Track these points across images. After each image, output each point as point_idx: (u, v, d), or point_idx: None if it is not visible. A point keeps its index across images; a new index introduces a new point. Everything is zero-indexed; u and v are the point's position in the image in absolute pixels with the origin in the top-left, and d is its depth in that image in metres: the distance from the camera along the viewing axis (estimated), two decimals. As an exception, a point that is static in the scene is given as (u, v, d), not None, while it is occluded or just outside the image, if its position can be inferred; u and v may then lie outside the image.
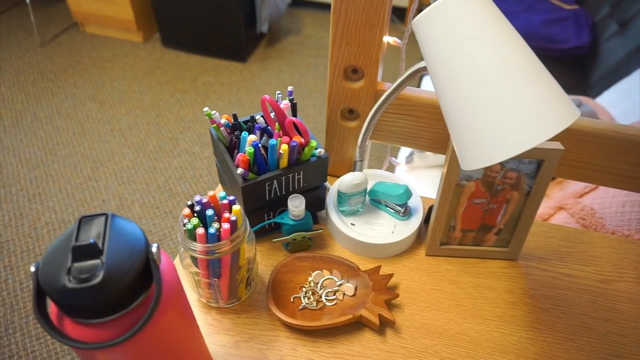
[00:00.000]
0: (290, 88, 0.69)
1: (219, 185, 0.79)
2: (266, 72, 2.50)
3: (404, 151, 1.47)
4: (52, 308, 0.38)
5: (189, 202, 0.55)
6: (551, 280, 0.69)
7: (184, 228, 0.53)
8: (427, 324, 0.63)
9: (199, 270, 0.57)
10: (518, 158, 0.60)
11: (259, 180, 0.63)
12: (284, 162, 0.64)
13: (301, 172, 0.66)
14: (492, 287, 0.68)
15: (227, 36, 2.45)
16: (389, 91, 0.60)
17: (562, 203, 1.00)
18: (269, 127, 0.67)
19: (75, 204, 1.80)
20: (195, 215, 0.55)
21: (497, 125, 0.42)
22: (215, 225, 0.53)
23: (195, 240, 0.53)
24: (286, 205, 0.65)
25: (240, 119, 0.69)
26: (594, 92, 1.57)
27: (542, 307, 0.66)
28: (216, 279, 0.58)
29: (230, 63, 2.54)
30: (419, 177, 1.38)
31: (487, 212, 0.67)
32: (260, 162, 0.63)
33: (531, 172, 0.62)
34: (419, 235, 0.74)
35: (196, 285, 0.60)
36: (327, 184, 0.76)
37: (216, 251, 0.54)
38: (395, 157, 1.57)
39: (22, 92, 2.30)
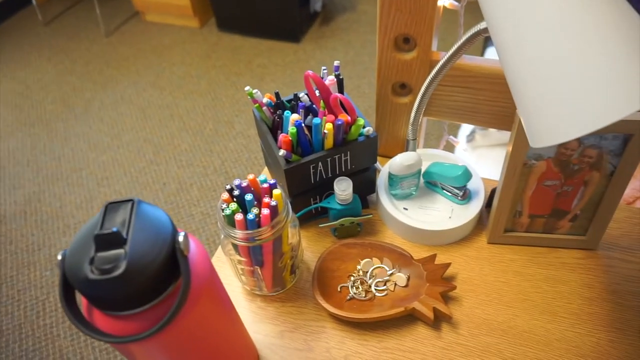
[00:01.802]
0: (336, 63, 0.64)
1: (265, 169, 0.76)
2: (320, 51, 2.45)
3: (465, 129, 1.37)
4: (82, 299, 0.36)
5: (228, 186, 0.52)
6: (638, 273, 0.60)
7: (223, 214, 0.51)
8: (488, 319, 0.57)
9: (241, 258, 0.55)
10: (600, 133, 0.52)
11: (303, 163, 0.59)
12: (329, 143, 0.59)
13: (348, 152, 0.61)
14: (566, 280, 0.60)
15: (280, 17, 2.42)
16: (444, 59, 0.54)
17: (651, 184, 0.87)
18: (313, 106, 0.63)
19: (139, 187, 1.88)
20: (235, 200, 0.52)
21: (577, 92, 0.35)
22: (255, 210, 0.50)
23: (234, 226, 0.51)
24: (333, 189, 0.61)
25: (284, 98, 0.65)
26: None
27: (627, 305, 0.57)
28: (258, 267, 0.55)
29: (285, 44, 2.52)
30: (481, 157, 1.28)
31: (560, 196, 0.59)
32: (304, 143, 0.59)
33: (616, 148, 0.53)
34: (480, 221, 0.67)
35: (239, 273, 0.58)
36: (377, 165, 0.71)
37: (256, 238, 0.51)
38: (455, 135, 1.46)
39: (90, 80, 2.42)
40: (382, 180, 0.69)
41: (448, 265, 0.59)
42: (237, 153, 1.95)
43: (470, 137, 1.30)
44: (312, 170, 0.61)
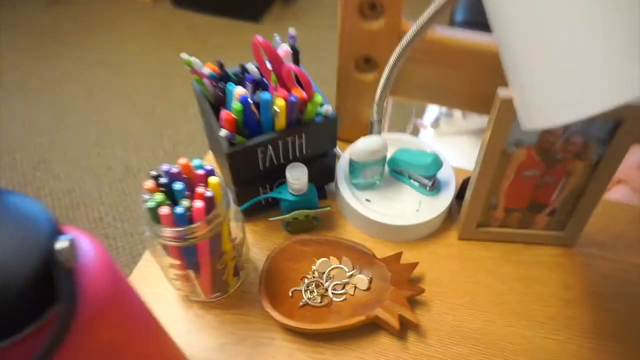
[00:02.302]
0: (291, 31, 0.55)
1: (210, 154, 0.66)
2: (281, 33, 2.32)
3: (430, 114, 1.30)
4: None
5: (153, 172, 0.42)
6: (619, 273, 0.55)
7: (145, 207, 0.41)
8: (460, 326, 0.51)
9: (171, 260, 0.45)
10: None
11: (249, 146, 0.50)
12: (280, 123, 0.50)
13: (303, 135, 0.52)
14: (543, 280, 0.54)
15: (235, -2, 2.28)
16: (414, 28, 0.45)
17: (621, 175, 0.84)
18: (263, 79, 0.54)
19: (80, 172, 1.72)
20: (162, 189, 0.42)
21: (587, 66, 0.28)
22: (186, 203, 0.41)
23: (159, 222, 0.41)
24: (285, 177, 0.53)
25: (229, 70, 0.55)
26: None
27: (609, 307, 0.52)
28: (193, 270, 0.46)
29: (243, 23, 2.38)
30: (445, 145, 1.22)
31: (539, 188, 0.52)
32: (251, 122, 0.50)
33: (603, 136, 0.47)
34: (450, 215, 0.60)
35: (170, 277, 0.49)
36: (337, 150, 0.62)
37: (188, 236, 0.41)
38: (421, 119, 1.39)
39: (28, 53, 2.20)
40: (341, 167, 0.60)
41: (415, 265, 0.52)
42: (190, 137, 1.82)
43: (435, 124, 1.24)
44: (260, 155, 0.52)
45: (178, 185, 0.41)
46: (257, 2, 2.30)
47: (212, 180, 0.42)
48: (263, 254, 0.56)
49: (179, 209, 0.40)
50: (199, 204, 0.40)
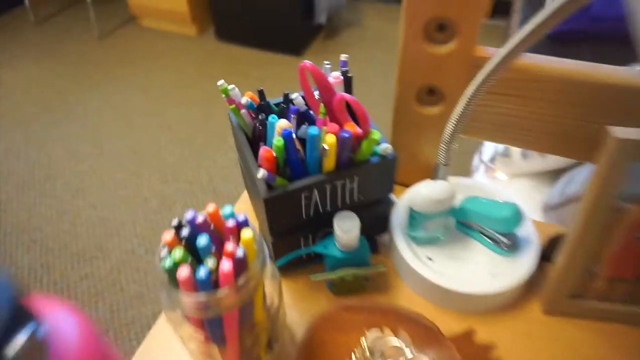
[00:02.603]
0: (343, 57, 0.47)
1: (245, 194, 0.59)
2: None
3: (486, 153, 1.18)
4: None
5: (175, 221, 0.34)
6: None
7: (161, 266, 0.33)
8: None
9: (191, 331, 0.36)
10: None
11: (291, 190, 0.41)
12: (329, 163, 0.42)
13: (355, 178, 0.43)
14: (660, 376, 0.42)
15: (282, 28, 2.27)
16: (506, 50, 0.36)
17: None
18: (310, 112, 0.46)
19: (117, 201, 1.69)
20: (183, 243, 0.34)
21: None
22: (210, 263, 0.32)
23: (177, 286, 0.33)
24: (331, 227, 0.44)
25: (271, 100, 0.48)
26: None
27: None
28: (218, 345, 0.37)
29: (285, 57, 2.37)
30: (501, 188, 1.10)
31: (657, 255, 0.41)
32: (294, 162, 0.42)
33: None
34: (532, 280, 0.49)
35: (190, 352, 0.40)
36: (392, 196, 0.53)
37: (213, 305, 0.33)
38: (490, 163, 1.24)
39: (76, 84, 2.26)
40: (398, 217, 0.51)
41: (492, 347, 0.41)
42: (228, 169, 1.78)
43: (490, 164, 1.13)
44: (304, 201, 0.43)
45: (203, 240, 0.33)
46: (299, 35, 2.29)
47: (245, 235, 0.33)
48: (302, 318, 0.47)
49: (202, 272, 0.31)
50: (227, 265, 0.32)
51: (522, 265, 0.47)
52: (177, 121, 2.01)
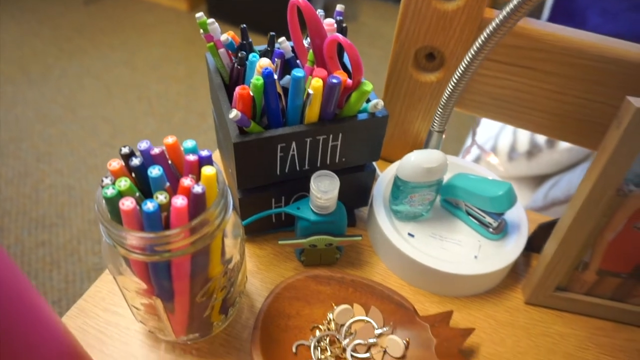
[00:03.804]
0: (339, 8, 0.43)
1: (217, 153, 0.54)
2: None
3: (502, 143, 1.04)
4: None
5: (125, 149, 0.29)
6: None
7: (102, 194, 0.28)
8: None
9: (133, 279, 0.31)
10: None
11: (267, 137, 0.37)
12: (313, 112, 0.37)
13: (340, 134, 0.39)
14: (645, 380, 0.39)
15: (277, 12, 2.22)
16: (506, 11, 0.33)
17: None
18: (297, 61, 0.41)
19: (85, 170, 1.61)
20: (132, 173, 0.29)
21: None
22: (162, 197, 0.28)
23: (120, 221, 0.28)
24: (307, 188, 0.39)
25: (256, 47, 0.43)
26: None
27: None
28: (162, 300, 0.32)
29: (278, 42, 2.31)
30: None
31: (654, 248, 0.38)
32: (273, 109, 0.37)
33: None
34: (514, 269, 0.46)
35: (129, 303, 0.35)
36: (376, 169, 0.49)
37: (160, 247, 0.28)
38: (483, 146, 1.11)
39: (56, 47, 2.16)
40: (380, 188, 0.47)
41: (470, 332, 0.37)
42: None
43: (514, 154, 1.05)
44: (279, 153, 0.38)
45: (155, 172, 0.28)
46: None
47: (207, 171, 0.29)
48: (265, 287, 0.42)
49: (150, 205, 0.26)
50: (180, 201, 0.27)
51: (507, 251, 0.43)
52: (158, 96, 1.94)
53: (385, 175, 0.48)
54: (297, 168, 0.40)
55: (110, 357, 0.37)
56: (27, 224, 1.44)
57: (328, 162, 0.41)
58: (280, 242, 0.41)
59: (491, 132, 1.07)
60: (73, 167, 1.61)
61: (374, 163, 0.45)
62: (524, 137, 1.00)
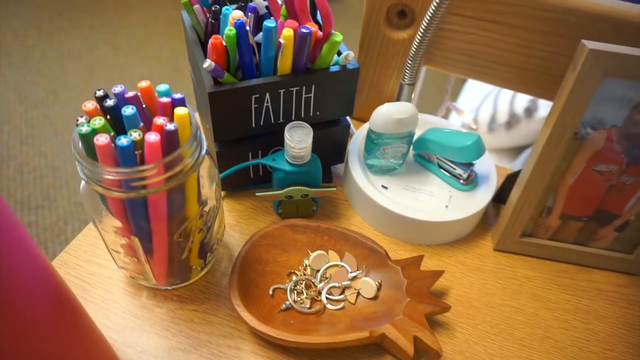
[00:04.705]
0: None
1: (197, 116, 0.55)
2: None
3: (483, 115, 1.06)
4: None
5: (99, 92, 0.30)
6: None
7: (78, 132, 0.29)
8: (493, 363, 0.37)
9: (111, 219, 0.32)
10: None
11: (241, 87, 0.38)
12: (285, 63, 0.39)
13: (312, 87, 0.40)
14: (603, 316, 0.41)
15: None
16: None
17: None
18: (271, 18, 0.42)
19: (69, 152, 1.60)
20: (107, 114, 0.30)
21: None
22: (136, 133, 0.29)
23: (96, 158, 0.29)
24: (283, 143, 0.40)
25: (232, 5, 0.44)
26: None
27: (694, 362, 0.39)
28: (139, 238, 0.33)
29: (262, 23, 2.29)
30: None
31: (612, 190, 0.40)
32: (247, 62, 0.38)
33: None
34: (484, 220, 0.48)
35: (108, 246, 0.36)
36: (351, 126, 0.50)
37: (135, 182, 0.29)
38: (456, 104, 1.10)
39: (36, 28, 2.12)
40: (355, 144, 0.48)
41: (440, 274, 0.39)
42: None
43: (494, 126, 1.06)
44: (253, 104, 0.39)
45: (129, 110, 0.29)
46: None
47: (179, 111, 0.30)
48: (244, 240, 0.44)
49: (124, 140, 0.28)
50: (154, 136, 0.28)
51: (477, 200, 0.45)
52: (141, 77, 1.92)
53: (360, 132, 0.49)
54: (272, 121, 0.42)
55: (93, 304, 0.39)
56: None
57: (302, 115, 0.42)
58: (257, 193, 0.42)
59: (472, 104, 1.09)
60: (57, 149, 1.60)
61: (348, 118, 0.46)
62: (503, 108, 1.02)
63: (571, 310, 0.41)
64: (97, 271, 0.41)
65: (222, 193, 0.47)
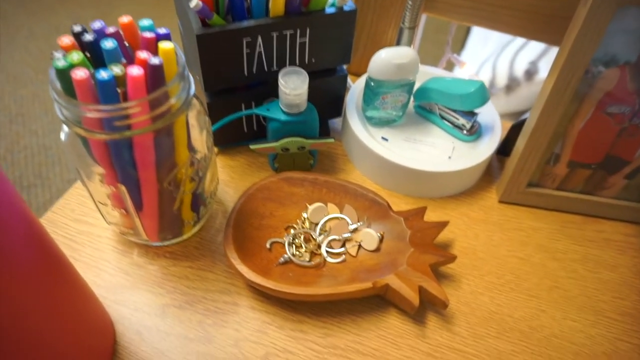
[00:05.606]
0: None
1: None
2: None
3: (482, 74, 1.03)
4: None
5: (76, 27, 0.28)
6: None
7: (54, 66, 0.26)
8: (499, 313, 0.36)
9: (95, 166, 0.30)
10: None
11: (231, 30, 0.35)
12: (278, 5, 0.36)
13: (307, 30, 0.38)
14: (613, 265, 0.40)
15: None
16: None
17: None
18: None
19: (60, 130, 1.57)
20: (86, 52, 0.28)
21: None
22: (117, 68, 0.27)
23: (75, 96, 0.26)
24: (277, 93, 0.38)
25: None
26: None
27: None
28: (126, 187, 0.31)
29: None
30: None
31: (623, 134, 0.38)
32: (237, 3, 0.36)
33: None
34: (488, 172, 0.46)
35: (97, 201, 0.34)
36: (348, 79, 0.48)
37: (119, 122, 0.27)
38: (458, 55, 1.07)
39: (22, 7, 2.07)
40: (353, 97, 0.46)
41: (444, 224, 0.38)
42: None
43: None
44: (245, 49, 0.37)
45: (109, 44, 0.27)
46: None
47: (164, 45, 0.27)
48: (238, 195, 0.42)
49: (104, 74, 0.25)
50: (137, 70, 0.26)
51: (481, 152, 0.43)
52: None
53: (358, 84, 0.47)
54: (266, 68, 0.39)
55: (82, 263, 0.37)
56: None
57: (297, 62, 0.40)
58: (251, 146, 0.41)
59: (470, 69, 1.06)
60: (48, 127, 1.57)
61: (345, 68, 0.44)
62: (502, 71, 1.00)
63: (579, 260, 0.40)
64: (86, 230, 0.39)
65: (215, 149, 0.45)
